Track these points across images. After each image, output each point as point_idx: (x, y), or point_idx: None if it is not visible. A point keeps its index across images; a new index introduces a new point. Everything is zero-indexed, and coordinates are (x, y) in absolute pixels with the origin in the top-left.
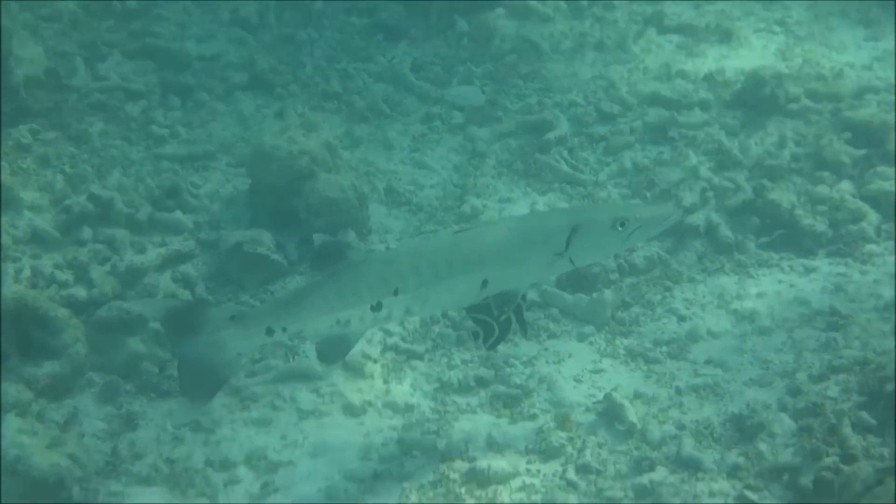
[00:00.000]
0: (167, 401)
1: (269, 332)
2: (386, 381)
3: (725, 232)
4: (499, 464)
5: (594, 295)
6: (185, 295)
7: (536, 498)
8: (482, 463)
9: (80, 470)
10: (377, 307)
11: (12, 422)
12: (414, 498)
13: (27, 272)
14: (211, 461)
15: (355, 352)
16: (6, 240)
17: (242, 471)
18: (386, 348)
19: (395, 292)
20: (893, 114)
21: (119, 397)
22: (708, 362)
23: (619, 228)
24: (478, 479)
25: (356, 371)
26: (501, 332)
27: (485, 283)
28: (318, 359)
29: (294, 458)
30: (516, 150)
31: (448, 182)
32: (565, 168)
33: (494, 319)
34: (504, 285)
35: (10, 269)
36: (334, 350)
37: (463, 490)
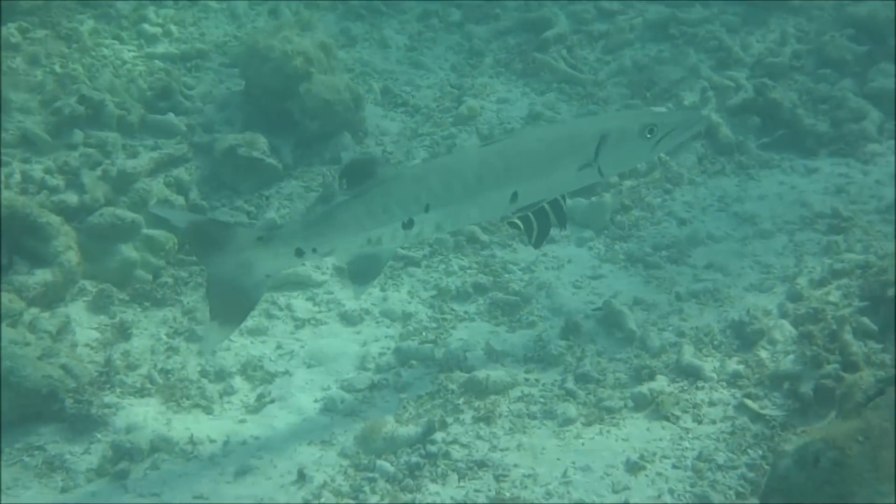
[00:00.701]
0: (161, 309)
1: (299, 253)
2: (383, 289)
3: (726, 132)
4: (497, 374)
5: (593, 198)
6: (179, 201)
7: (535, 408)
8: (480, 373)
9: (73, 381)
10: (408, 224)
11: (4, 332)
12: (412, 409)
13: (17, 177)
14: (206, 372)
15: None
16: None
17: (238, 381)
18: None
19: (426, 209)
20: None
21: (112, 306)
22: (708, 267)
23: (648, 136)
24: (476, 389)
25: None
26: (541, 228)
27: (514, 195)
28: (350, 280)
29: (290, 368)
30: (514, 48)
31: (445, 82)
32: (564, 67)
33: (534, 215)
34: (534, 197)
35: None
36: (367, 270)
37: (461, 401)
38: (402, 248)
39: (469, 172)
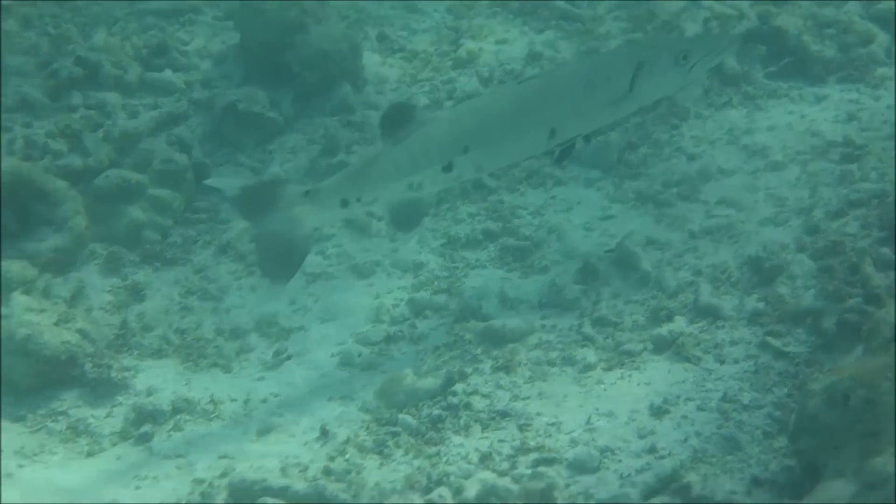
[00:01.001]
0: (172, 269)
1: (345, 203)
2: (392, 239)
3: (731, 63)
4: (513, 321)
5: (599, 137)
6: (182, 159)
7: (554, 354)
8: (497, 322)
9: (91, 345)
10: (448, 167)
11: (19, 300)
12: (430, 361)
13: (20, 142)
14: (221, 330)
15: (360, 210)
16: None
17: (254, 338)
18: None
19: (465, 150)
20: None
21: (123, 268)
22: (720, 202)
23: (682, 62)
24: (493, 338)
25: (362, 230)
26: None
27: (553, 132)
28: (393, 227)
29: (305, 323)
30: None
31: (441, 25)
32: (562, 3)
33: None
34: (572, 132)
35: (2, 139)
36: (409, 216)
37: (479, 351)
38: None
39: (506, 111)
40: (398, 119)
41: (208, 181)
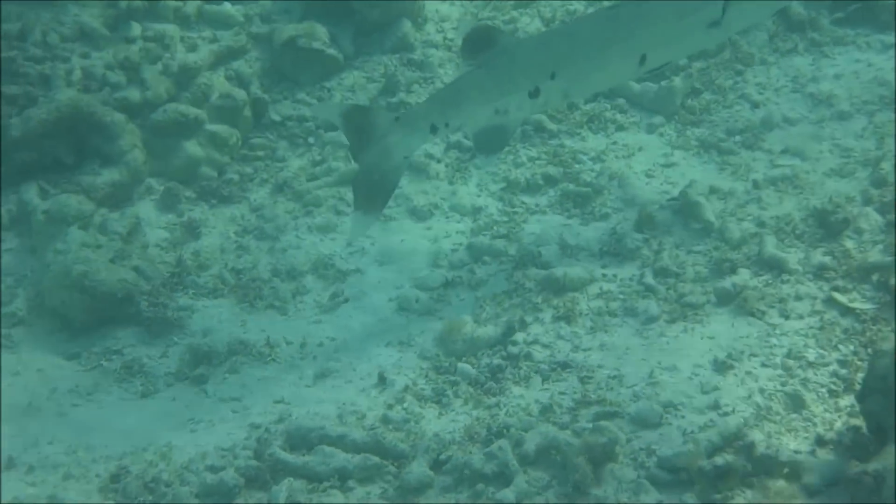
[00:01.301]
0: (228, 207)
1: (433, 129)
2: (451, 182)
3: (798, 9)
4: (574, 270)
5: (662, 83)
6: (241, 95)
7: (615, 305)
8: (558, 270)
9: (147, 283)
10: (535, 93)
11: (76, 235)
12: (489, 309)
13: (78, 73)
14: (278, 270)
15: (419, 151)
16: (53, 37)
17: (310, 280)
18: (449, 146)
19: (552, 76)
20: None
21: (179, 204)
22: (785, 152)
23: None
24: (553, 287)
25: (420, 171)
26: None
27: (643, 58)
28: (476, 150)
29: (361, 265)
30: None
31: None
32: None
33: None
34: (662, 59)
35: (60, 70)
36: (493, 141)
37: (539, 299)
38: (468, 139)
39: (595, 37)
40: (481, 42)
41: (311, 108)
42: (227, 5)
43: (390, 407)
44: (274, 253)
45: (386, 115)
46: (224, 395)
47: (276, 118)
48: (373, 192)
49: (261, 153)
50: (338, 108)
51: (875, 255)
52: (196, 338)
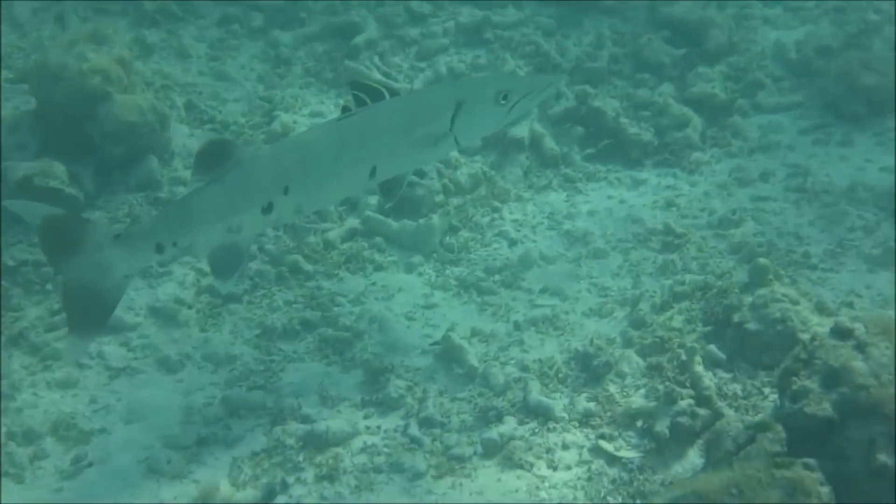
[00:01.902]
0: None
1: (160, 248)
2: (203, 329)
3: (550, 144)
4: (337, 423)
5: (421, 221)
6: None
7: (380, 460)
8: (320, 426)
9: None
10: (268, 209)
11: None
12: (248, 470)
13: None
14: (13, 433)
15: (167, 296)
16: None
17: (49, 443)
18: (200, 291)
19: (285, 191)
20: (710, 9)
21: None
22: (544, 291)
23: (503, 102)
24: (315, 442)
25: (169, 318)
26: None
27: (374, 171)
28: (212, 274)
29: (107, 424)
30: (323, 55)
31: (253, 95)
32: (378, 75)
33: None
34: (392, 171)
35: None
36: (228, 262)
37: (301, 458)
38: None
39: (326, 149)
40: (214, 157)
41: (7, 202)
42: None
43: None
44: (9, 413)
45: (104, 229)
46: None
47: (11, 263)
48: (89, 313)
49: None
50: (42, 209)
51: (638, 401)
52: None
